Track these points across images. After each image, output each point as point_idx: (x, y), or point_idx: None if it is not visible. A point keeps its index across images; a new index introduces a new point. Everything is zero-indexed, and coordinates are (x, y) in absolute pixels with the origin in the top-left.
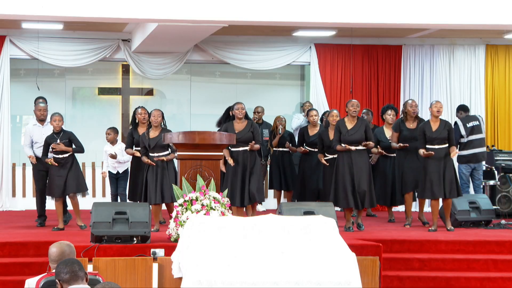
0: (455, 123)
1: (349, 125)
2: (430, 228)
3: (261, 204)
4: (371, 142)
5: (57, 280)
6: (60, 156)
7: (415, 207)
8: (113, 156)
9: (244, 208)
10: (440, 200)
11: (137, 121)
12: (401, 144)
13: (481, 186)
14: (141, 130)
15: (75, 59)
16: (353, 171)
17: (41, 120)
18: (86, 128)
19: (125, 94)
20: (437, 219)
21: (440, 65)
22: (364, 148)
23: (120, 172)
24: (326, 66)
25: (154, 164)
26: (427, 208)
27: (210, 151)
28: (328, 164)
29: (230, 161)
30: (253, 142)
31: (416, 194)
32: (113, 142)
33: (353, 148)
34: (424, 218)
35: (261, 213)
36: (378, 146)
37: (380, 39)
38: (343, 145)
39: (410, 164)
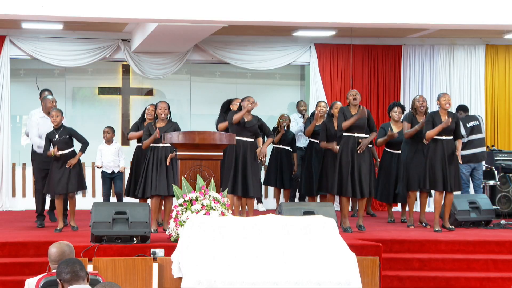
0: None
1: (353, 112)
2: (435, 229)
3: (262, 203)
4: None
5: (58, 280)
6: (60, 152)
7: (415, 207)
8: (99, 167)
9: (245, 207)
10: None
11: (145, 117)
12: (417, 127)
13: (481, 186)
14: None
15: (75, 59)
16: (354, 160)
17: (50, 113)
18: (86, 128)
19: (125, 94)
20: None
21: (440, 65)
22: (367, 136)
23: (116, 171)
24: (326, 66)
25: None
26: (427, 209)
27: (210, 151)
28: (337, 147)
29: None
30: (263, 155)
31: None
32: (109, 141)
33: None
34: (425, 220)
35: (261, 213)
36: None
37: (380, 39)
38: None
39: (417, 162)
